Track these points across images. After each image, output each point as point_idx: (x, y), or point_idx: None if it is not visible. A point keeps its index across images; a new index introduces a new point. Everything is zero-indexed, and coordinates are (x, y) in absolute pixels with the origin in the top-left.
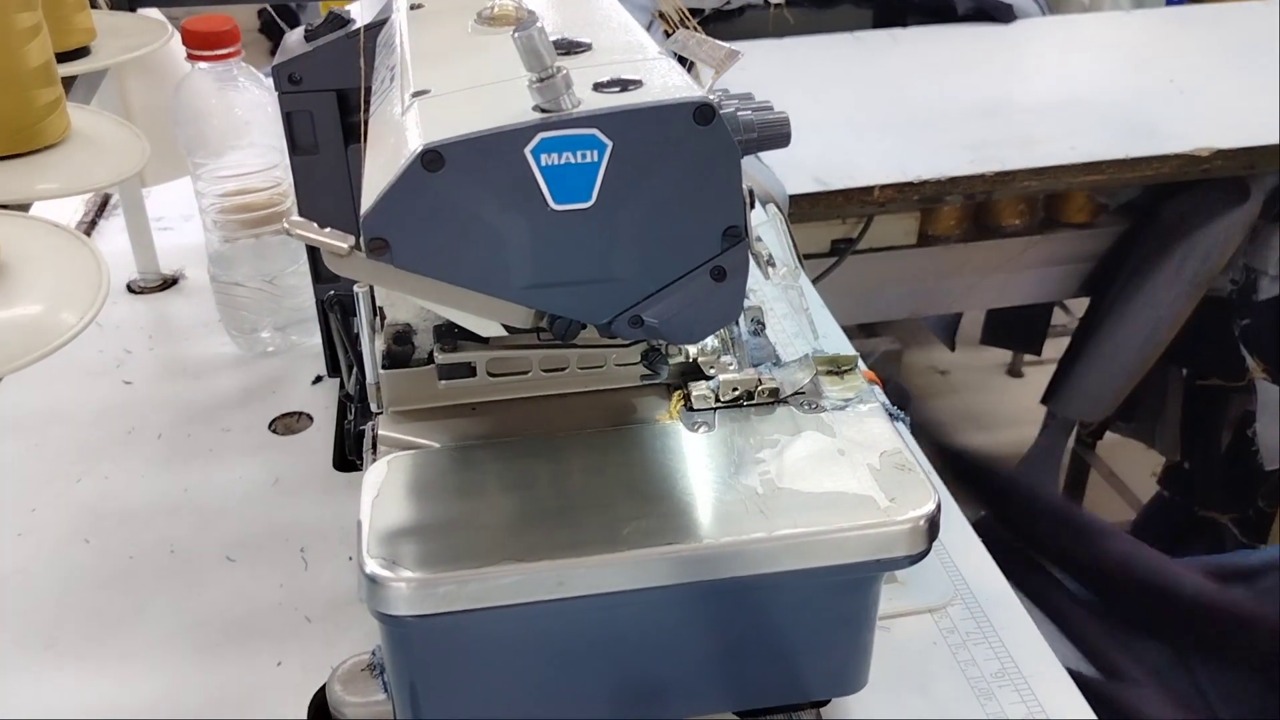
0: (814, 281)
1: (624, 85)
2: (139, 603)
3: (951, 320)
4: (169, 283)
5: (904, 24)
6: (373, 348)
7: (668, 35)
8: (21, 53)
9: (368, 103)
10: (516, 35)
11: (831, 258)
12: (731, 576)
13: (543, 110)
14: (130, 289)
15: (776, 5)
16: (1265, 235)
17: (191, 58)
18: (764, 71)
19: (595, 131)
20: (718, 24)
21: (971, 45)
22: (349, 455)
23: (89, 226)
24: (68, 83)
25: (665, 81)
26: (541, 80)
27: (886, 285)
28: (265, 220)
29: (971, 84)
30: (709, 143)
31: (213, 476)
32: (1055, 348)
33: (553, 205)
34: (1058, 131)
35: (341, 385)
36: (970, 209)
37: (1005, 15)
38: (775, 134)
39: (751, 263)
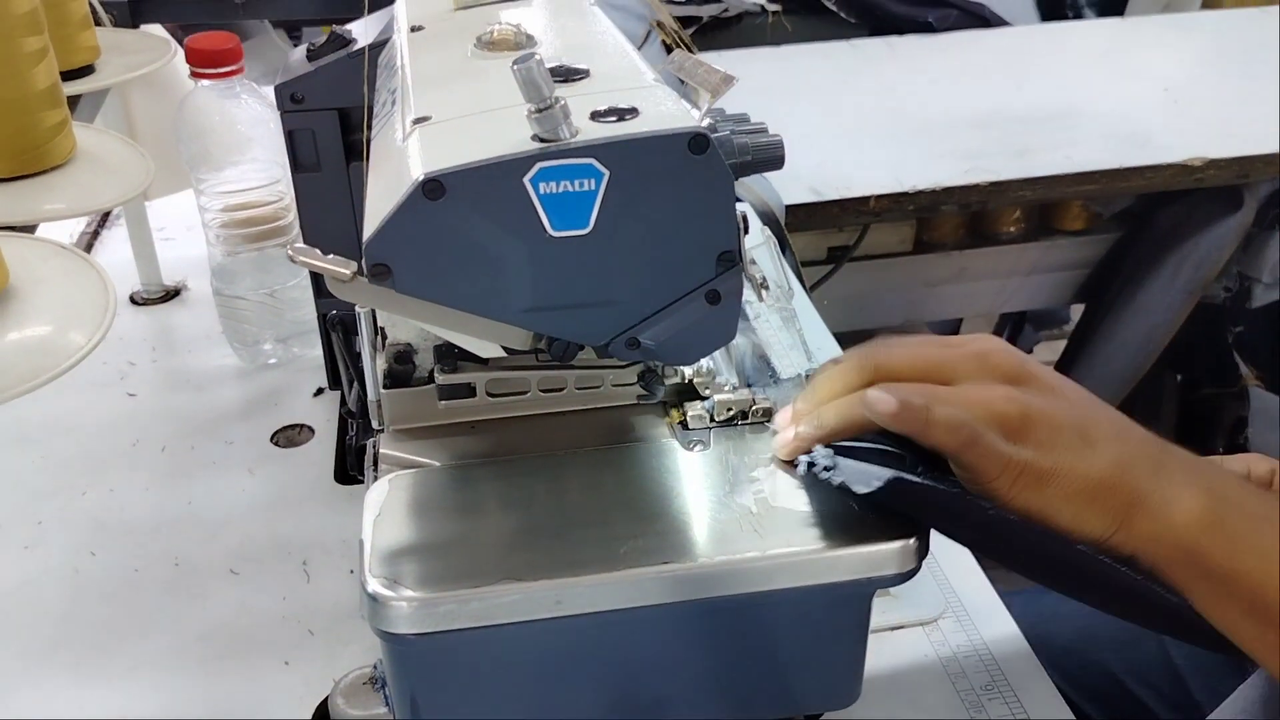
0: (811, 289)
1: (620, 114)
2: (144, 616)
3: (952, 325)
4: (171, 294)
5: (900, 32)
6: (374, 367)
7: (665, 44)
8: (29, 76)
9: (370, 123)
10: (516, 68)
11: (828, 265)
12: (726, 595)
13: (541, 139)
14: (133, 300)
15: (774, 13)
16: (1258, 243)
17: (195, 75)
18: (761, 80)
19: (592, 161)
20: (715, 32)
21: (966, 53)
22: (350, 469)
23: (91, 238)
24: (72, 101)
25: (661, 110)
26: (540, 111)
27: (883, 292)
28: (268, 234)
29: (967, 92)
30: (703, 171)
31: (216, 489)
32: (1052, 350)
33: (551, 232)
34: (1052, 141)
35: (343, 401)
36: (966, 217)
37: (988, 20)
38: (769, 157)
39: (746, 285)
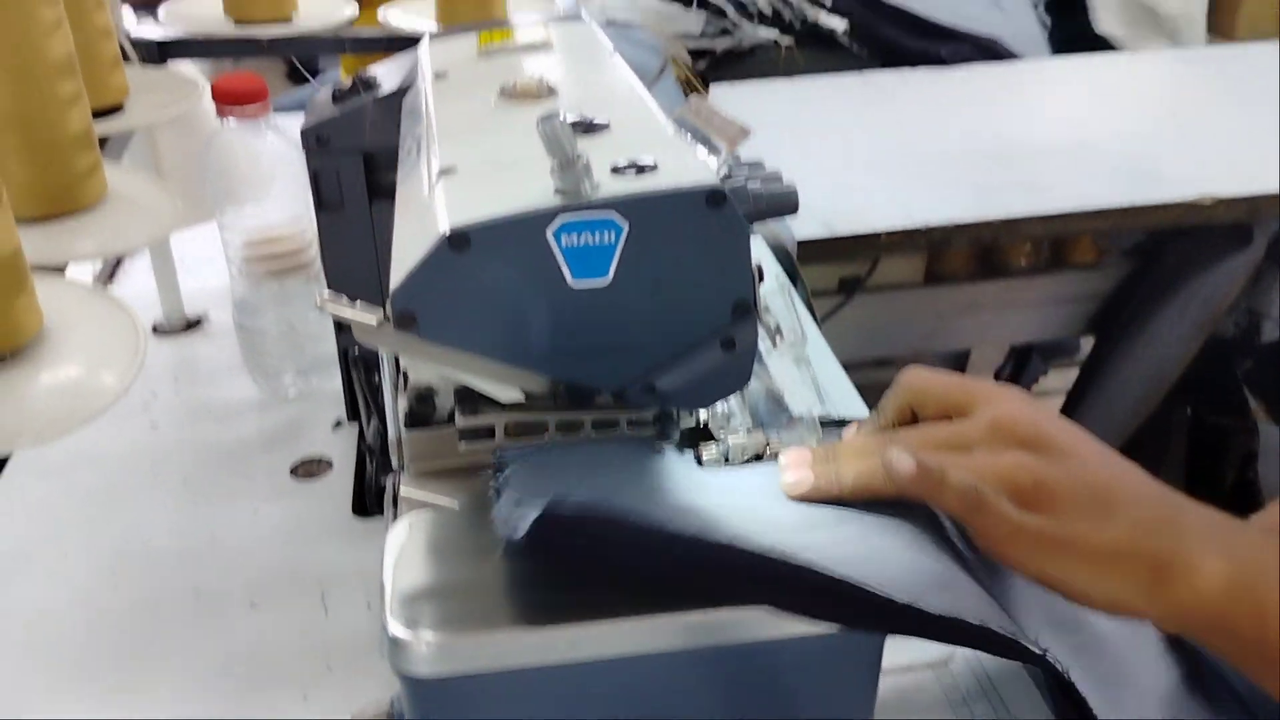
0: (822, 320)
1: (640, 169)
2: (165, 647)
3: (962, 356)
4: (193, 324)
5: (912, 65)
6: (396, 406)
7: (680, 81)
8: (63, 120)
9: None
10: (540, 126)
11: (840, 296)
12: (740, 642)
13: (563, 194)
14: (155, 331)
15: (787, 46)
16: (1268, 279)
17: (222, 114)
18: (774, 113)
19: (613, 215)
20: (729, 65)
21: (978, 87)
22: (368, 505)
23: (114, 267)
24: (101, 140)
25: (679, 164)
26: (563, 167)
27: (894, 323)
28: (289, 268)
29: (978, 126)
30: (720, 224)
31: (236, 520)
32: (1062, 379)
33: (571, 282)
34: (1063, 176)
35: (361, 435)
36: (977, 249)
37: (1000, 54)
38: (783, 205)
39: (760, 332)
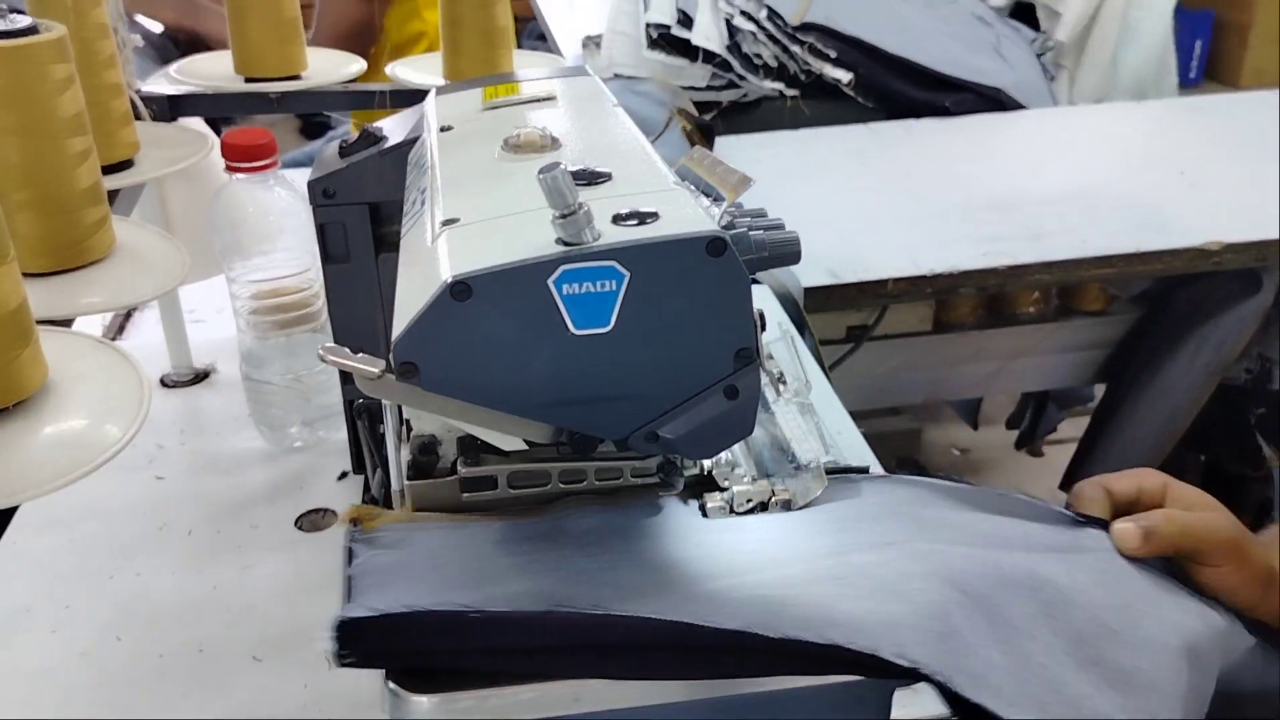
0: (830, 368)
1: (641, 218)
2: (168, 704)
3: (972, 404)
4: (201, 376)
5: (917, 116)
6: (399, 457)
7: (685, 131)
8: (72, 176)
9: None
10: (541, 177)
11: (847, 344)
12: (744, 693)
13: (565, 243)
14: (164, 383)
15: (792, 98)
16: (1278, 325)
17: (230, 169)
18: (780, 163)
19: (614, 263)
20: (735, 116)
21: (983, 137)
22: None
23: (124, 319)
24: (111, 195)
25: (680, 213)
26: (564, 216)
27: (902, 371)
28: (296, 320)
29: (983, 176)
30: (721, 272)
31: (241, 574)
32: (1075, 427)
33: (573, 330)
34: (1069, 224)
35: (366, 487)
36: (985, 297)
37: (1004, 104)
38: (785, 253)
39: (764, 380)
